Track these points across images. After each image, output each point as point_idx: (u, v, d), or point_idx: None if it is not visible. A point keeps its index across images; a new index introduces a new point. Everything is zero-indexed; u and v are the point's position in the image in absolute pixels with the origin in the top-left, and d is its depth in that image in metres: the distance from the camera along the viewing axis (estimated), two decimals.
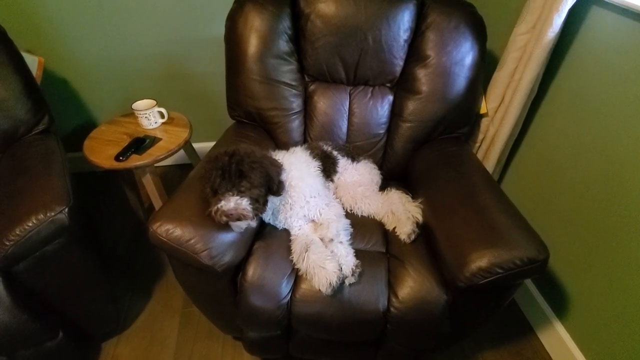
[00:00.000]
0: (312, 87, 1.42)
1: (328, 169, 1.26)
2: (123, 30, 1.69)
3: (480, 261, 0.92)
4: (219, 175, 0.93)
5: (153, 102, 1.47)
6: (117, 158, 1.32)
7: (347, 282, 1.00)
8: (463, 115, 1.37)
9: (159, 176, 1.51)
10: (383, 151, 1.45)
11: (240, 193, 0.93)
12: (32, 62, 1.58)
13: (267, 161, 1.03)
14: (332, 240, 1.07)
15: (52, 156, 1.28)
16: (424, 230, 1.13)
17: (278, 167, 1.07)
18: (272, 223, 1.15)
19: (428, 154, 1.36)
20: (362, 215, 1.23)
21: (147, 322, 1.48)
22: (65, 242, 1.08)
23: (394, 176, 1.42)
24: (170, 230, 0.93)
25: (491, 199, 1.08)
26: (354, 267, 1.01)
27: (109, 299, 1.36)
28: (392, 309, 1.01)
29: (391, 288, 1.03)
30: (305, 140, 1.44)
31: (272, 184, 1.02)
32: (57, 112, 1.50)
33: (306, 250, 1.03)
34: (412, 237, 1.10)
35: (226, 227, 0.97)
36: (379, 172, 1.38)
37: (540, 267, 0.91)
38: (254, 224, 1.01)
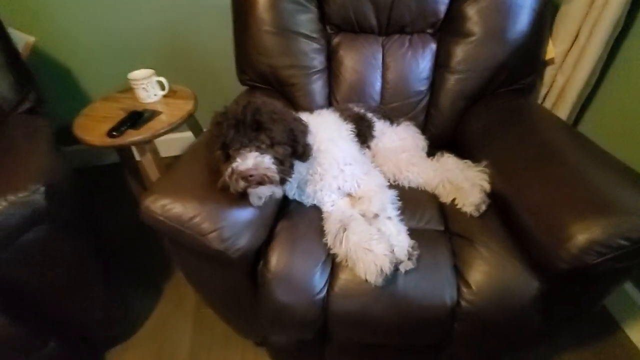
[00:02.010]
0: (336, 40, 1.18)
1: (363, 133, 1.02)
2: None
3: (591, 232, 0.66)
4: (231, 127, 0.70)
5: (151, 71, 1.27)
6: (110, 134, 1.12)
7: (402, 268, 0.75)
8: (528, 60, 1.10)
9: (165, 166, 1.30)
10: (425, 113, 1.19)
11: (259, 150, 0.70)
12: (20, 41, 1.41)
13: (289, 115, 0.80)
14: (377, 215, 0.83)
15: (37, 134, 1.09)
16: (494, 201, 0.87)
17: (303, 125, 0.83)
18: (297, 198, 0.92)
19: (484, 111, 1.10)
20: (409, 187, 0.98)
21: (156, 327, 1.27)
22: (48, 229, 0.88)
23: (439, 143, 1.16)
24: (168, 206, 0.71)
25: (584, 155, 0.82)
26: (410, 249, 0.77)
27: (111, 299, 1.16)
28: (463, 303, 0.76)
29: (460, 275, 0.78)
30: (331, 104, 1.20)
31: (296, 145, 0.79)
32: (55, 101, 1.33)
33: (344, 230, 0.79)
34: (483, 208, 0.85)
35: (241, 201, 0.75)
36: (423, 136, 1.12)
37: None
38: (279, 192, 0.78)
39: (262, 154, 0.70)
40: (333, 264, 0.81)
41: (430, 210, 0.92)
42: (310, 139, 0.85)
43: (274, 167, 0.71)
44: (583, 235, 0.66)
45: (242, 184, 0.69)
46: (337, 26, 1.17)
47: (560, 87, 1.20)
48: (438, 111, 1.17)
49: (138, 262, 1.49)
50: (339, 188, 0.90)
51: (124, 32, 1.57)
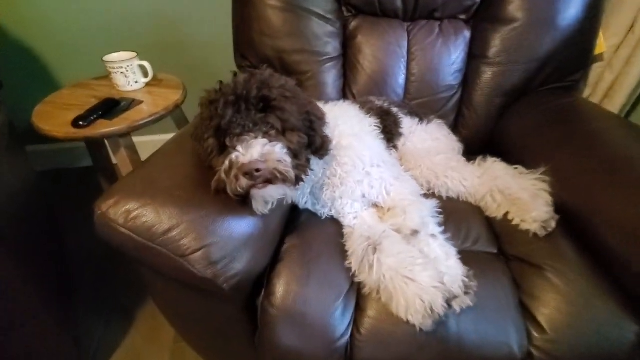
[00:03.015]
0: (354, 24, 1.00)
1: (389, 130, 0.83)
2: None
3: None
4: (229, 105, 0.51)
5: (132, 53, 1.07)
6: (75, 123, 0.90)
7: (456, 305, 0.55)
8: (579, 52, 0.94)
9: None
10: (457, 111, 1.02)
11: (268, 136, 0.51)
12: None
13: (304, 95, 0.61)
14: (416, 232, 0.63)
15: None
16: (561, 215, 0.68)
17: (320, 110, 0.64)
18: (310, 208, 0.72)
19: (529, 110, 0.93)
20: (447, 197, 0.79)
21: None
22: None
23: (472, 147, 0.98)
24: (134, 212, 0.50)
25: None
26: (466, 278, 0.57)
27: (69, 331, 0.93)
28: (535, 352, 0.56)
29: (528, 314, 0.59)
30: (345, 98, 1.02)
31: (313, 135, 0.59)
32: (19, 91, 1.11)
33: (375, 251, 0.60)
34: (552, 225, 0.66)
35: (239, 207, 0.54)
36: (456, 138, 0.94)
37: None
38: (292, 195, 0.58)
39: (271, 142, 0.51)
40: (359, 297, 0.61)
41: (476, 226, 0.73)
42: (328, 130, 0.66)
43: (288, 159, 0.51)
44: None
45: (244, 182, 0.49)
46: (355, 7, 1.00)
47: (608, 87, 1.04)
48: (472, 109, 0.99)
49: (107, 283, 1.25)
50: (364, 196, 0.70)
51: (105, 13, 1.37)
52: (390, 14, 1.00)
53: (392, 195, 0.70)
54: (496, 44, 0.94)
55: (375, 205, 0.72)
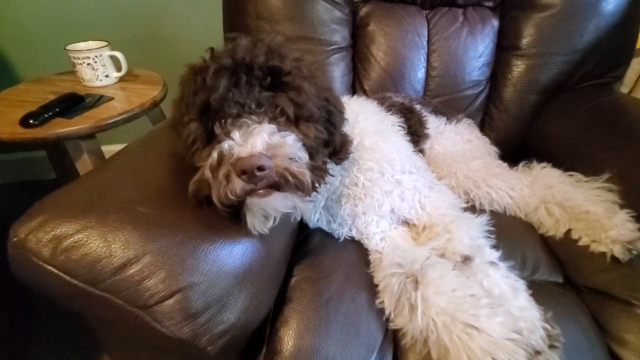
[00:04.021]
0: (365, 10, 0.87)
1: (415, 130, 0.68)
2: None
3: None
4: (222, 74, 0.36)
5: (102, 42, 0.90)
6: (24, 122, 0.73)
7: None
8: (623, 43, 0.82)
9: None
10: (484, 111, 0.88)
11: (276, 122, 0.36)
12: None
13: (323, 78, 0.46)
14: (468, 259, 0.47)
15: None
16: None
17: (340, 103, 0.49)
18: (324, 227, 0.56)
19: (572, 109, 0.80)
20: (490, 210, 0.63)
21: None
22: None
23: (501, 152, 0.84)
24: (67, 239, 0.32)
25: None
26: (548, 325, 0.41)
27: None
28: None
29: None
30: (357, 95, 0.87)
31: (332, 132, 0.44)
32: None
33: (416, 284, 0.44)
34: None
35: (229, 227, 0.38)
36: (488, 140, 0.80)
37: None
38: (304, 210, 0.42)
39: (280, 130, 0.35)
40: (397, 351, 0.44)
41: (532, 248, 0.57)
42: (347, 128, 0.50)
43: (304, 157, 0.35)
44: None
45: (238, 185, 0.33)
46: None
47: None
48: (501, 108, 0.86)
49: (69, 315, 1.04)
50: (392, 210, 0.54)
51: (74, 0, 1.20)
52: (407, 0, 0.87)
53: (427, 209, 0.55)
54: (530, 32, 0.82)
55: (406, 223, 0.56)
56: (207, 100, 0.36)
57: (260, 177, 0.32)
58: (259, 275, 0.40)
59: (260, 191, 0.34)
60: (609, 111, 0.75)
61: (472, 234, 0.50)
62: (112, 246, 0.32)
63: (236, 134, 0.34)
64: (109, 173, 0.41)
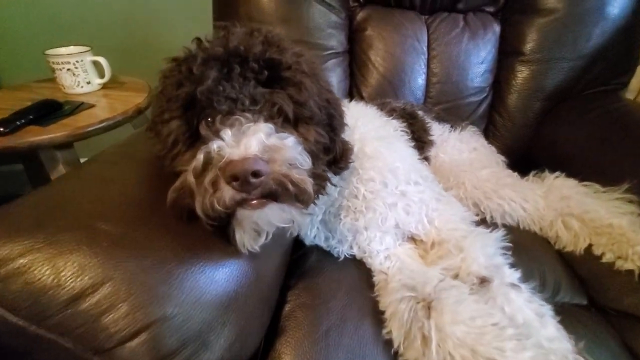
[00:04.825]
0: (362, 14, 0.83)
1: (419, 137, 0.64)
2: None
3: None
4: (214, 62, 0.32)
5: (83, 47, 0.85)
6: None
7: None
8: (629, 49, 0.80)
9: None
10: (487, 118, 0.84)
11: (273, 121, 0.31)
12: None
13: (324, 77, 0.41)
14: (486, 281, 0.42)
15: None
16: None
17: (340, 106, 0.44)
18: (321, 244, 0.50)
19: (580, 117, 0.76)
20: (502, 223, 0.58)
21: None
22: None
23: (508, 160, 0.79)
24: (7, 264, 0.26)
25: None
26: (582, 359, 0.36)
27: None
28: None
29: None
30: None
31: (332, 137, 0.39)
32: None
33: (429, 313, 0.38)
34: None
35: (212, 244, 0.32)
36: (494, 148, 0.76)
37: None
38: (302, 223, 0.36)
39: (278, 131, 0.30)
40: None
41: (551, 267, 0.52)
42: (347, 134, 0.45)
43: (306, 162, 0.30)
44: None
45: (228, 193, 0.28)
46: None
47: None
48: (505, 116, 0.82)
49: None
50: (397, 225, 0.49)
51: (56, 6, 1.14)
52: (405, 5, 0.84)
53: (436, 223, 0.50)
54: (534, 37, 0.79)
55: (413, 239, 0.51)
56: (192, 93, 0.31)
57: (254, 184, 0.27)
58: (247, 303, 0.34)
59: (254, 201, 0.29)
60: (619, 119, 0.71)
61: (488, 251, 0.45)
62: (62, 273, 0.26)
63: (227, 133, 0.28)
64: (70, 183, 0.35)
